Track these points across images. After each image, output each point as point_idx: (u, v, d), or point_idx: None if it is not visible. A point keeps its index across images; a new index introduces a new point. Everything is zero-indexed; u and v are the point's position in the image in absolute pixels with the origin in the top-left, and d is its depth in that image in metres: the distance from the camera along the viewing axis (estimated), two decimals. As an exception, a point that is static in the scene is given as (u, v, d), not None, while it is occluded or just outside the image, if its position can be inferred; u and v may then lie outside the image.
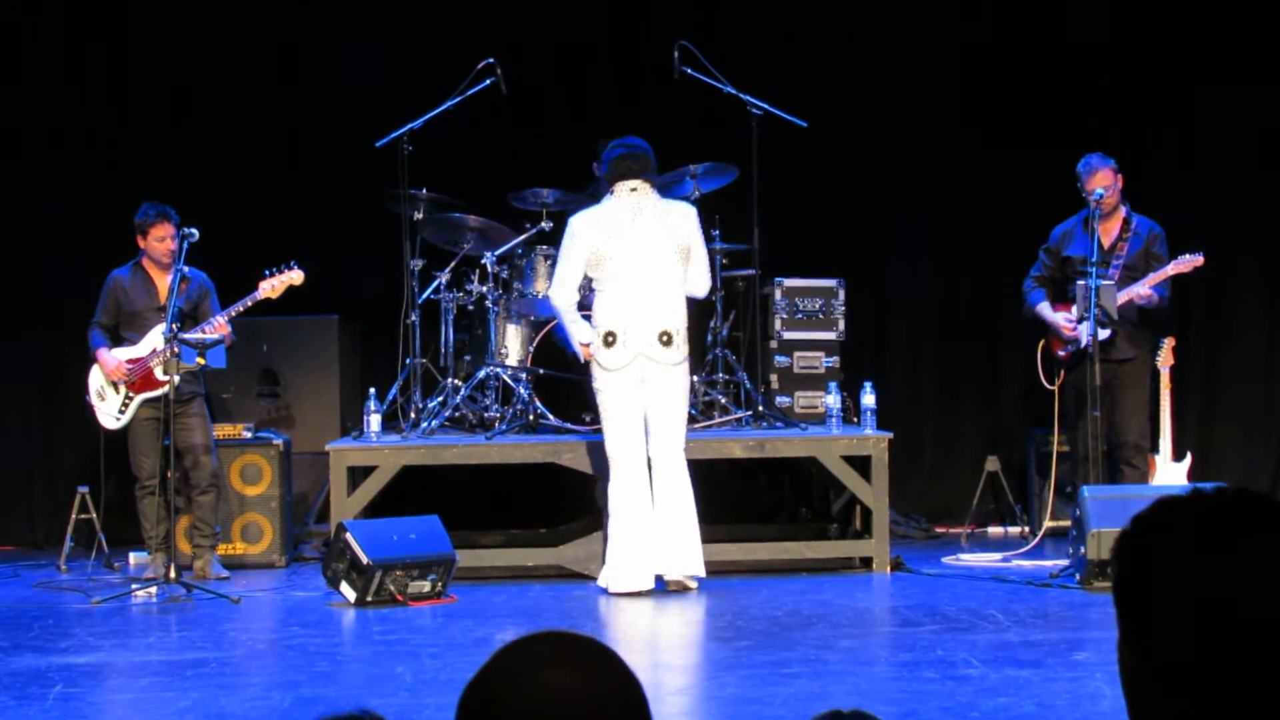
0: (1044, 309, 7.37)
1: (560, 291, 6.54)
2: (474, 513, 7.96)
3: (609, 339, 6.51)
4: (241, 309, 7.17)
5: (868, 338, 8.71)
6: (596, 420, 6.70)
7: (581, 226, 6.52)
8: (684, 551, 6.49)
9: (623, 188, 6.50)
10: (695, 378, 7.57)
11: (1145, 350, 7.35)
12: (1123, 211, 7.25)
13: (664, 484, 6.53)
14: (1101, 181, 7.13)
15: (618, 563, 6.47)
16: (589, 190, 7.43)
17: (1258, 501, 1.64)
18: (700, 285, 6.66)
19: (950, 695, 4.72)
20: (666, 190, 7.54)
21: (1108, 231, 7.25)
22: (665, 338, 6.50)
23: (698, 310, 7.53)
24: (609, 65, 8.68)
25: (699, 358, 7.73)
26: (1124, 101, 8.68)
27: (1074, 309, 7.15)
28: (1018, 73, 8.73)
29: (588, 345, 6.57)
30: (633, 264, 6.47)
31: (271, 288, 7.12)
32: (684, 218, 6.58)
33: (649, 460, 6.54)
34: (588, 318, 6.69)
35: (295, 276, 7.15)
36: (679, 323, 6.55)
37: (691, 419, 7.37)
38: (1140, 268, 7.21)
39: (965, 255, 8.84)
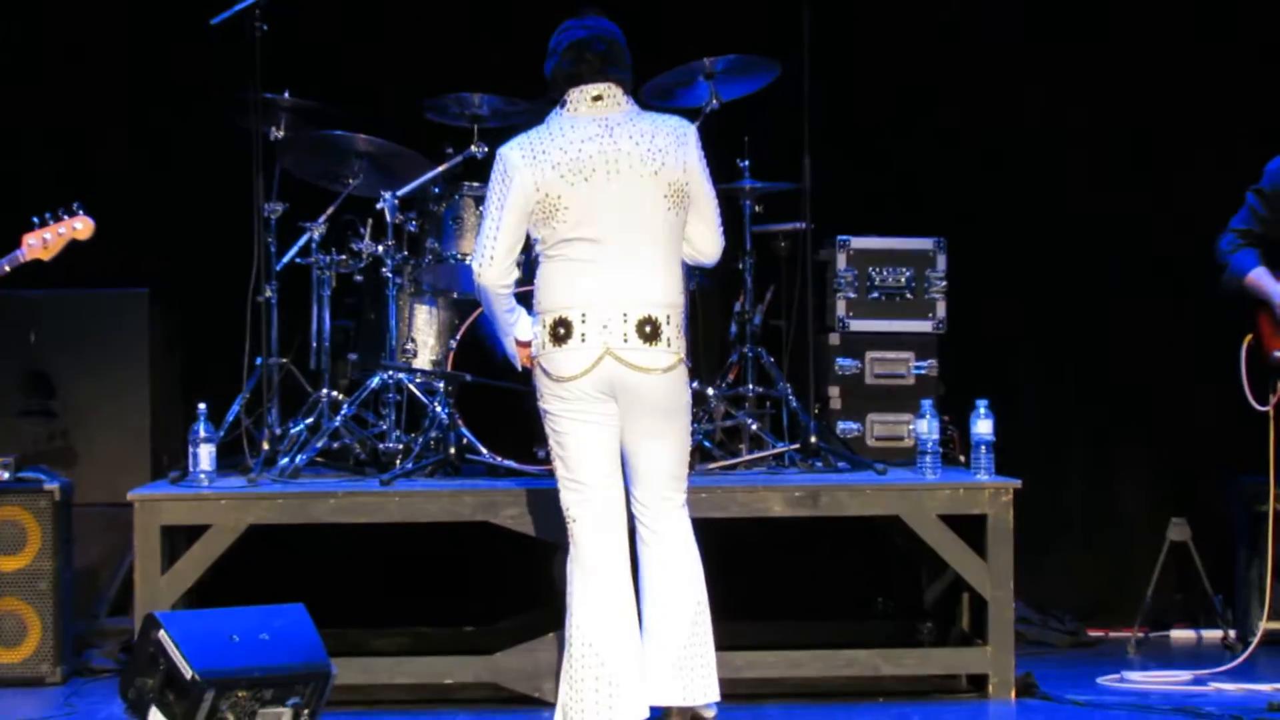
0: (1260, 276, 7.29)
1: (488, 263, 6.27)
2: (362, 600, 8.10)
3: (560, 331, 6.19)
4: (-4, 276, 7.17)
5: (980, 330, 8.66)
6: (555, 457, 6.69)
7: (519, 160, 6.24)
8: (689, 665, 6.22)
9: (580, 96, 6.26)
10: (711, 390, 7.61)
11: None
12: (1378, 138, 7.44)
13: (656, 559, 6.26)
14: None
15: (582, 685, 6.17)
16: (548, 96, 6.86)
17: None
18: (707, 245, 6.37)
19: None
20: (667, 97, 7.59)
21: (1357, 170, 7.44)
22: (649, 328, 6.15)
23: (713, 286, 7.63)
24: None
25: (718, 359, 7.82)
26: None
27: (1305, 285, 7.31)
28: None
29: (527, 345, 6.28)
30: (599, 215, 6.21)
31: (43, 244, 6.87)
32: (677, 140, 6.28)
33: (631, 521, 6.28)
34: (527, 300, 6.36)
35: (80, 227, 6.90)
36: (670, 304, 6.23)
37: (703, 455, 7.47)
38: None
39: (1138, 199, 8.80)
